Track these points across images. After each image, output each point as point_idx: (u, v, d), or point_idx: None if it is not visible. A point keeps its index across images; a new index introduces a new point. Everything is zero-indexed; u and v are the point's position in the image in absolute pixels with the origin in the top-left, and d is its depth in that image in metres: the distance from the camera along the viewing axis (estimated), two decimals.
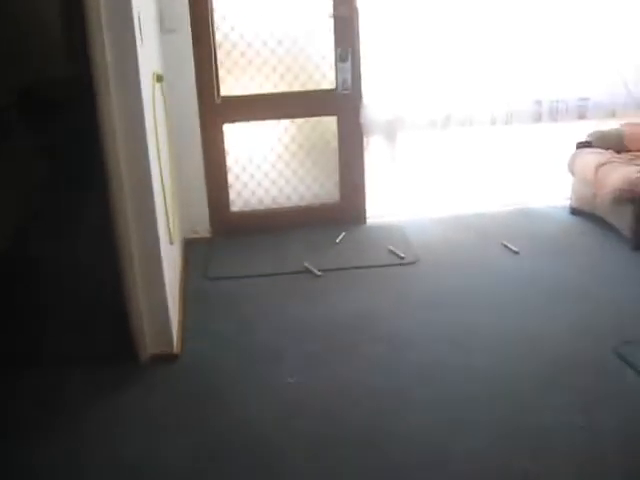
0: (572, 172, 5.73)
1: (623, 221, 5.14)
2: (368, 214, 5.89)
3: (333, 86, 5.54)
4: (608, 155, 5.46)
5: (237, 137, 5.52)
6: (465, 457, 3.06)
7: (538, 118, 5.87)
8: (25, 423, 3.40)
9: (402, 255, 5.12)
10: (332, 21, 5.37)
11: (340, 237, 5.45)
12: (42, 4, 4.76)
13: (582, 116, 5.91)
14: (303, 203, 5.81)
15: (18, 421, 3.43)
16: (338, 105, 5.57)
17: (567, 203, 5.91)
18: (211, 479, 3.02)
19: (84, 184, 4.63)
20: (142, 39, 3.57)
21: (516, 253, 5.11)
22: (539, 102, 5.81)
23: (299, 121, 5.66)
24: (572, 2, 5.58)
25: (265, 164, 5.67)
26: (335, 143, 5.71)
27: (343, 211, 5.77)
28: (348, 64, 5.46)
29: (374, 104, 5.58)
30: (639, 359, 3.67)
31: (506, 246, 5.20)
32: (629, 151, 5.62)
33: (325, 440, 3.21)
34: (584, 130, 5.90)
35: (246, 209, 5.73)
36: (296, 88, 5.54)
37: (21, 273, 4.70)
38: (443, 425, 3.28)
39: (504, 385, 3.56)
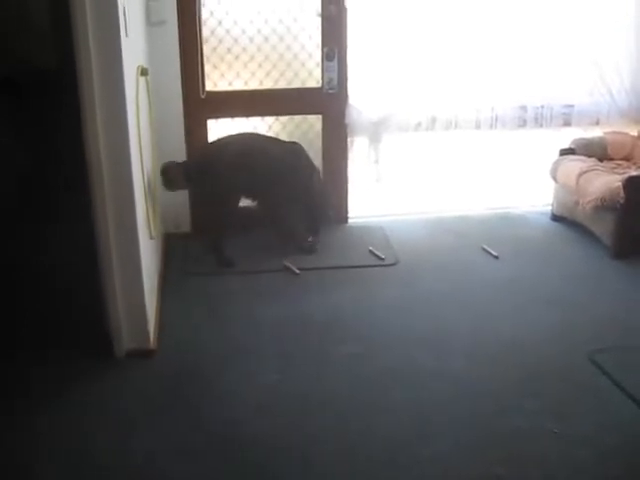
0: (555, 178, 5.74)
1: (604, 229, 5.16)
2: (350, 214, 5.89)
3: (319, 85, 5.53)
4: (591, 163, 5.47)
5: (221, 133, 5.49)
6: (436, 461, 3.06)
7: (523, 123, 5.89)
8: None
9: (382, 256, 5.11)
10: (320, 20, 5.36)
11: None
12: None
13: (567, 123, 5.95)
14: None
15: None
16: (323, 104, 5.56)
17: (549, 209, 5.92)
18: (177, 477, 3.00)
19: (64, 178, 4.60)
20: (127, 32, 3.55)
21: (496, 258, 5.12)
22: (524, 107, 5.84)
23: (283, 119, 5.64)
24: (558, 10, 5.60)
25: None
26: (319, 142, 5.70)
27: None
28: (335, 63, 5.45)
29: (360, 104, 5.57)
30: (613, 366, 3.69)
31: (486, 250, 5.21)
32: (612, 159, 5.65)
33: (296, 439, 3.20)
34: (569, 137, 5.91)
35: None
36: (282, 85, 5.52)
37: None
38: (414, 428, 3.28)
39: (478, 389, 3.56)
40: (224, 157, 4.92)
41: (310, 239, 5.27)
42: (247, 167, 4.88)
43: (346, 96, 5.53)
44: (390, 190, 5.99)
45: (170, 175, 4.78)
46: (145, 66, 4.34)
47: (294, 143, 5.24)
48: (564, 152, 5.79)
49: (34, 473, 3.02)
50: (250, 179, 4.93)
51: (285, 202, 5.10)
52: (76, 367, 3.77)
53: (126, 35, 3.52)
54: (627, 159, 5.69)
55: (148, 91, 4.44)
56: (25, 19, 4.70)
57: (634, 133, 5.87)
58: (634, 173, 5.12)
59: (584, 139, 5.84)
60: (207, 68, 5.36)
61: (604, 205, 5.02)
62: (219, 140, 5.20)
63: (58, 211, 5.11)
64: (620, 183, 4.96)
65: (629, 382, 3.56)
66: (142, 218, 3.86)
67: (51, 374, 3.70)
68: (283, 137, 5.59)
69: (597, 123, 5.99)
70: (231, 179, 4.86)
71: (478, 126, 5.85)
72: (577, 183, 5.32)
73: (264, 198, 5.15)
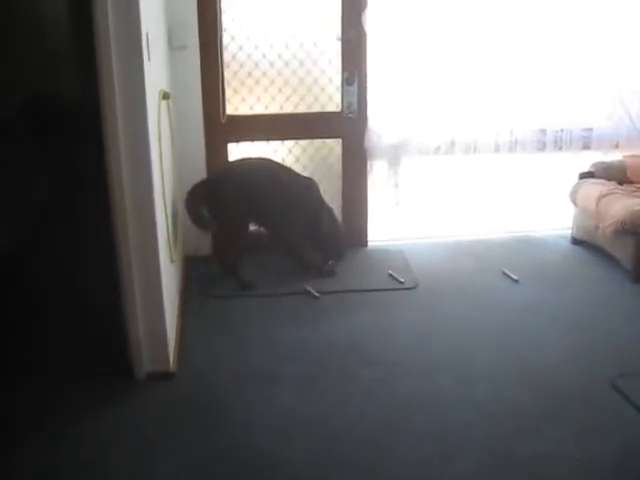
0: (574, 202, 5.73)
1: (624, 253, 5.14)
2: (369, 237, 5.90)
3: (339, 109, 5.56)
4: (610, 186, 5.46)
5: (241, 156, 5.51)
6: None
7: (542, 147, 5.89)
8: (12, 436, 3.38)
9: (402, 280, 5.12)
10: (340, 44, 5.40)
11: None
12: (52, 21, 4.80)
13: (586, 146, 5.94)
14: None
15: (4, 433, 3.40)
16: (343, 128, 5.59)
17: (569, 232, 5.91)
18: None
19: (84, 201, 4.64)
20: (149, 57, 3.59)
21: (516, 281, 5.11)
22: (543, 131, 5.84)
23: (303, 143, 5.68)
24: (577, 34, 5.62)
25: None
26: (339, 166, 5.73)
27: (345, 234, 5.76)
28: (354, 88, 5.48)
29: (379, 128, 5.60)
30: (635, 391, 3.66)
31: (506, 274, 5.20)
32: (632, 183, 5.63)
33: (317, 465, 3.19)
34: (588, 160, 5.91)
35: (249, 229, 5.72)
36: (302, 110, 5.57)
37: (20, 287, 4.69)
38: (435, 451, 3.27)
39: (499, 412, 3.54)
40: (234, 177, 5.01)
41: (330, 262, 5.28)
42: (255, 189, 4.94)
43: (366, 120, 5.56)
44: (410, 213, 6.02)
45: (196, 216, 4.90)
46: (167, 90, 4.38)
47: (308, 178, 5.30)
48: (583, 175, 5.79)
49: None
50: (257, 201, 4.97)
51: (294, 232, 5.14)
52: (96, 389, 3.78)
53: (148, 60, 3.56)
54: None
55: (170, 115, 4.49)
56: (46, 45, 4.76)
57: None
58: None
59: (603, 162, 5.84)
60: (228, 92, 5.41)
61: (624, 229, 5.01)
62: (232, 162, 5.32)
63: (80, 234, 5.14)
64: None
65: None
66: (163, 242, 3.89)
67: (71, 396, 3.71)
68: (303, 160, 5.68)
69: (616, 146, 5.98)
70: (239, 199, 4.90)
71: (497, 149, 5.86)
72: (597, 206, 5.31)
73: (273, 226, 5.20)
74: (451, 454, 3.24)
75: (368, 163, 5.72)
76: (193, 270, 5.32)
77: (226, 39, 5.30)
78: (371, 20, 5.32)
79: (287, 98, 5.52)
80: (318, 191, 5.24)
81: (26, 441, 3.34)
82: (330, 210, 5.32)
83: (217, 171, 5.23)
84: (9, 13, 4.71)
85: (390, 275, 5.22)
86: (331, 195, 5.61)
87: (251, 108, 5.50)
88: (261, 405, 3.64)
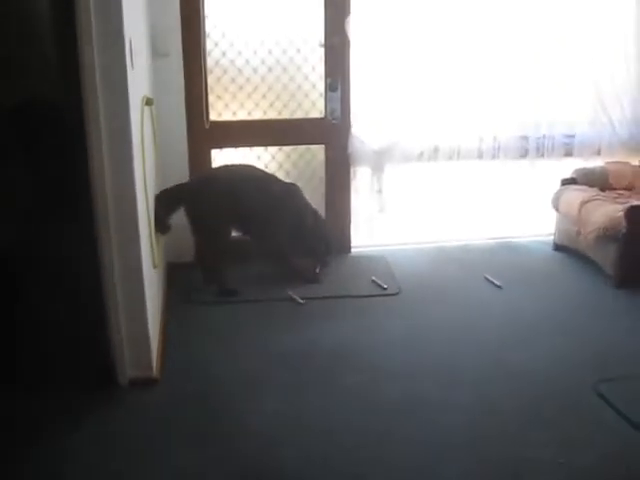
0: (556, 208, 5.76)
1: (606, 258, 5.17)
2: (353, 244, 5.90)
3: (322, 115, 5.57)
4: (593, 192, 5.50)
5: (224, 162, 5.51)
6: None
7: (524, 153, 5.91)
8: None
9: (385, 286, 5.12)
10: (323, 50, 5.41)
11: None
12: (34, 28, 4.79)
13: (568, 153, 5.98)
14: None
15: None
16: (326, 134, 5.60)
17: (551, 239, 5.94)
18: None
19: (68, 206, 4.62)
20: (133, 63, 3.59)
21: (499, 287, 5.13)
22: (525, 138, 5.87)
23: (287, 149, 5.68)
24: (559, 41, 5.66)
25: None
26: (322, 172, 5.73)
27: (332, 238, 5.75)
28: (338, 94, 5.49)
29: (362, 134, 5.61)
30: (617, 397, 3.67)
31: (489, 280, 5.22)
32: (613, 189, 5.67)
33: (304, 472, 3.18)
34: (570, 167, 5.94)
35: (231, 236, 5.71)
36: (285, 116, 5.57)
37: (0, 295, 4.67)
38: (420, 457, 3.26)
39: (484, 420, 3.55)
40: (216, 182, 5.00)
41: (317, 270, 5.29)
42: (236, 195, 4.92)
43: (349, 126, 5.57)
44: (393, 220, 6.01)
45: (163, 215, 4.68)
46: (150, 96, 4.37)
47: (292, 183, 5.30)
48: (566, 182, 5.82)
49: None
50: (241, 207, 4.95)
51: (279, 237, 5.13)
52: (79, 395, 3.75)
53: (132, 66, 3.55)
54: (628, 189, 5.70)
55: (153, 121, 4.48)
56: (29, 52, 4.75)
57: (635, 163, 5.91)
58: (636, 203, 5.14)
59: (585, 169, 5.87)
60: (211, 98, 5.40)
61: (606, 235, 5.04)
62: (215, 168, 5.35)
63: (62, 239, 5.12)
64: (622, 213, 4.99)
65: (634, 412, 3.54)
66: (146, 247, 3.87)
67: (53, 402, 3.69)
68: (287, 166, 5.68)
69: (598, 153, 6.01)
70: (222, 204, 4.88)
71: (480, 156, 5.88)
72: (579, 213, 5.34)
73: (258, 233, 5.19)
74: (436, 459, 3.24)
75: (351, 169, 5.73)
76: (176, 276, 5.30)
77: (209, 45, 5.30)
78: (354, 26, 5.34)
79: (270, 104, 5.52)
80: (302, 195, 5.23)
81: (6, 454, 3.29)
82: (315, 212, 5.32)
83: (199, 176, 5.22)
84: None
85: (373, 281, 5.22)
86: (314, 201, 5.57)
87: (234, 114, 5.50)
88: (245, 411, 3.62)
